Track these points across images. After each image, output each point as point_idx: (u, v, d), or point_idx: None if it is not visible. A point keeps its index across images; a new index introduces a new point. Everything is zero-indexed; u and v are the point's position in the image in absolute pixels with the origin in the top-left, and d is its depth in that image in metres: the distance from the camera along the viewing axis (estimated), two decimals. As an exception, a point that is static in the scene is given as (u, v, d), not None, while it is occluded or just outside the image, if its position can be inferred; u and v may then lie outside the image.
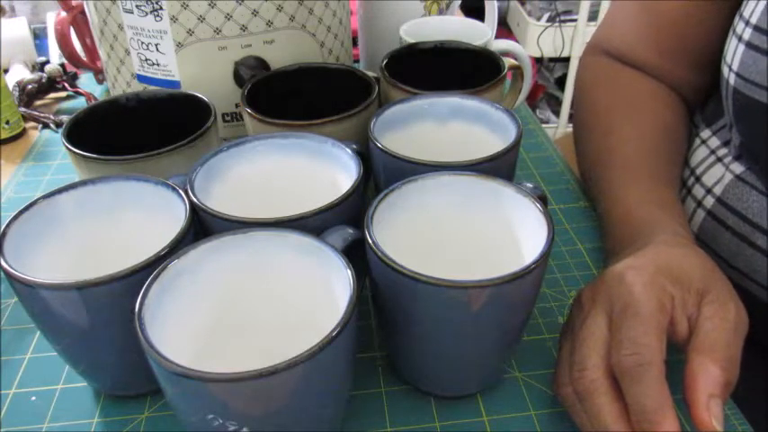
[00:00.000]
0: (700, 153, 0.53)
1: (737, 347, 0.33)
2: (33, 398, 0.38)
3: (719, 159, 0.50)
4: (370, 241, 0.32)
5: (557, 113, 1.98)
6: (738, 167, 0.48)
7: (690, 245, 0.40)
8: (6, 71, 0.77)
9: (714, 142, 0.52)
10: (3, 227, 0.34)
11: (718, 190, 0.49)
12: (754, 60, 0.43)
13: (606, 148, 0.52)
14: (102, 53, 0.57)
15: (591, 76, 0.61)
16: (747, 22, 0.44)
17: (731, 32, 0.47)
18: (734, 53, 0.45)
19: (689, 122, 0.56)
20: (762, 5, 0.43)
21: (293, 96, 0.52)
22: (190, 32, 0.50)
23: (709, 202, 0.50)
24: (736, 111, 0.46)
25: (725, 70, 0.47)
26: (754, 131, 0.45)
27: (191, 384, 0.26)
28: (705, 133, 0.53)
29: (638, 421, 0.30)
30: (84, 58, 0.71)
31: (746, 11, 0.45)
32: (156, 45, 0.51)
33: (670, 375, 0.31)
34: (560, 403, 0.35)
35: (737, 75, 0.44)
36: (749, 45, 0.43)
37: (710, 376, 0.31)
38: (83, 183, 0.38)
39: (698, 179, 0.52)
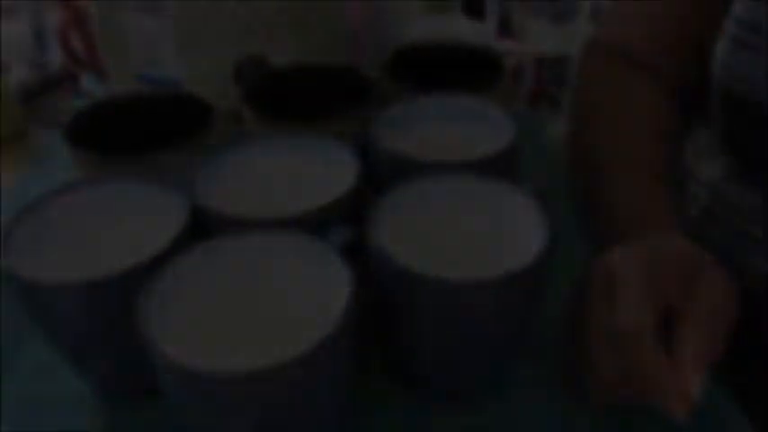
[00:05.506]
0: (691, 148, 0.53)
1: (722, 322, 0.32)
2: (33, 398, 0.38)
3: (711, 154, 0.50)
4: (371, 241, 0.32)
5: (557, 113, 1.98)
6: (730, 161, 0.48)
7: (681, 237, 0.39)
8: (7, 71, 0.77)
9: (706, 137, 0.52)
10: (3, 227, 0.34)
11: (710, 185, 0.49)
12: (737, 56, 0.43)
13: (599, 145, 0.52)
14: (102, 53, 0.57)
15: (588, 74, 0.61)
16: (732, 17, 0.44)
17: None
18: (719, 48, 0.45)
19: (683, 121, 0.56)
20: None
21: (293, 96, 0.52)
22: (190, 32, 0.50)
23: (702, 196, 0.50)
24: (722, 107, 0.46)
25: (712, 65, 0.47)
26: (739, 128, 0.45)
27: (191, 383, 0.26)
28: (697, 129, 0.53)
29: None
30: (85, 59, 0.71)
31: (734, 6, 0.45)
32: (157, 45, 0.51)
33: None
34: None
35: (722, 70, 0.44)
36: (734, 40, 0.43)
37: (693, 340, 0.30)
38: (83, 183, 0.38)
39: (690, 174, 0.52)
